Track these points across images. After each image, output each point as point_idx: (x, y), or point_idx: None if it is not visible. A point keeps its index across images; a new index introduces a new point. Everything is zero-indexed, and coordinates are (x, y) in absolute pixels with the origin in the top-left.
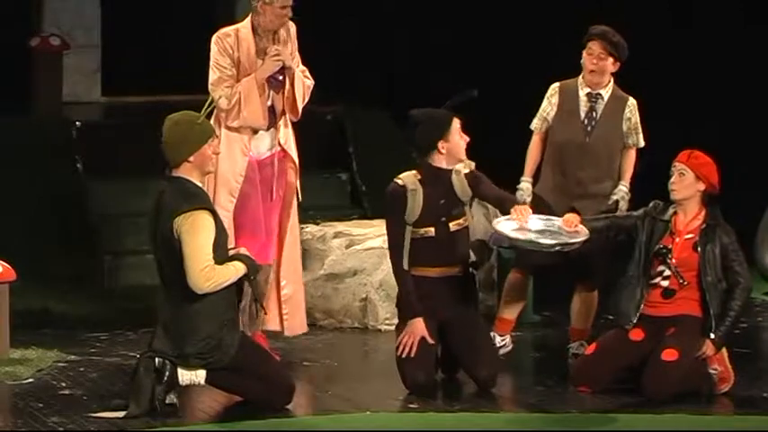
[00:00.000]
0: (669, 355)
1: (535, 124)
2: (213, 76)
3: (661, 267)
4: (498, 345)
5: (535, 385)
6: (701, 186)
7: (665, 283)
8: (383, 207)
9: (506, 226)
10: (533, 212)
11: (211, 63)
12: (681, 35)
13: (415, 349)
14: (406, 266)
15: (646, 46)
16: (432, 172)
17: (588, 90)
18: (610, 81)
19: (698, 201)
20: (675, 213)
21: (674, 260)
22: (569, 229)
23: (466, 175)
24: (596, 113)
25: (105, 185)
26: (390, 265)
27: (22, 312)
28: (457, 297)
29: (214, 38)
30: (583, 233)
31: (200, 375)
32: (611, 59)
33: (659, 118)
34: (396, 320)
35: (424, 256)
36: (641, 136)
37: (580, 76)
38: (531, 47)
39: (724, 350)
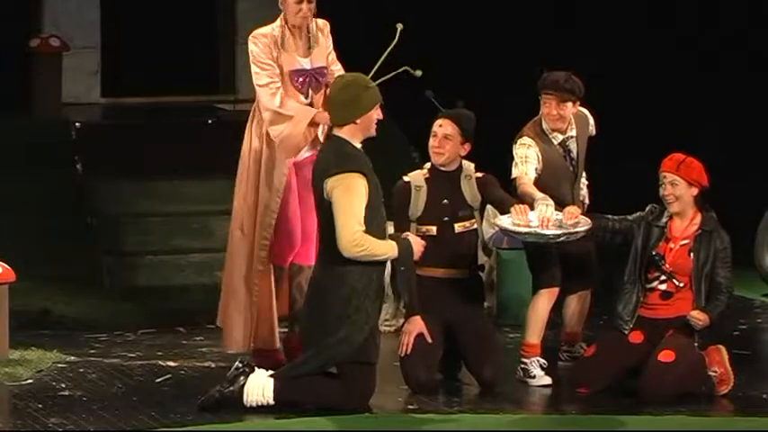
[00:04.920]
0: (666, 356)
1: (530, 172)
2: (260, 75)
3: (657, 273)
4: (541, 373)
5: (535, 386)
6: (694, 191)
7: (662, 287)
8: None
9: (508, 222)
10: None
11: (254, 63)
12: (677, 34)
13: (412, 346)
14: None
15: (641, 48)
16: (436, 171)
17: (561, 138)
18: (571, 117)
19: (692, 205)
20: (671, 218)
21: (667, 266)
22: (571, 221)
23: (477, 179)
24: (573, 153)
25: (105, 186)
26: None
27: (21, 313)
28: (463, 298)
29: (251, 39)
30: (585, 223)
31: (267, 395)
32: (569, 103)
33: (658, 120)
34: (395, 321)
35: (428, 255)
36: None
37: (544, 123)
38: (525, 47)
39: (724, 352)
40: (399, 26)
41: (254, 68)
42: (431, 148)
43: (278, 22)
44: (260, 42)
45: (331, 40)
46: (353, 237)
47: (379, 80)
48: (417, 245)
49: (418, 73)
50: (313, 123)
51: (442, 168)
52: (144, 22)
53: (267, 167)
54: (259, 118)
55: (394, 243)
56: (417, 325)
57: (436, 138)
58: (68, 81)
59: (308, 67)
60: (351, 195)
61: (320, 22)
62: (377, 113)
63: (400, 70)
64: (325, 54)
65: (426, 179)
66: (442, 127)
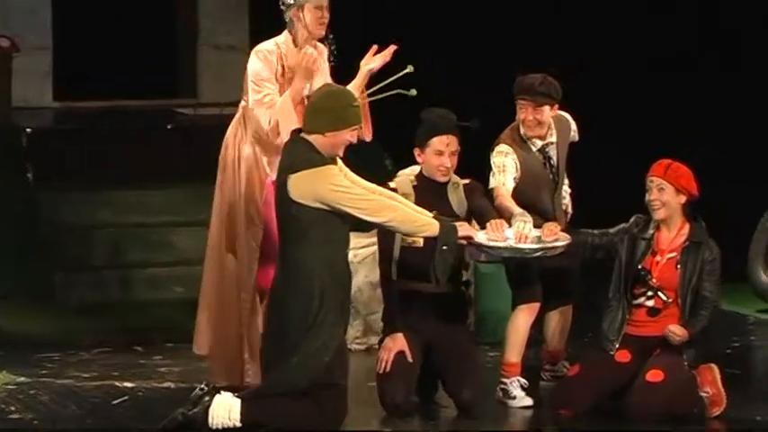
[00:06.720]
0: (654, 375)
1: (508, 182)
2: (257, 94)
3: (643, 288)
4: (521, 393)
5: (515, 407)
6: (682, 199)
7: (649, 303)
8: None
9: (483, 237)
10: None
11: (252, 80)
12: (667, 35)
13: (391, 364)
14: (393, 277)
15: (633, 51)
16: (424, 179)
17: (540, 144)
18: (551, 122)
19: (680, 214)
20: (658, 229)
21: (654, 280)
22: (550, 238)
23: (464, 185)
24: (554, 159)
25: (57, 196)
26: (360, 279)
27: None
28: (446, 316)
29: (255, 54)
30: (564, 238)
31: (233, 417)
32: (546, 107)
33: (649, 126)
34: (366, 339)
35: (413, 269)
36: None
37: (522, 130)
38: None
39: (716, 371)
40: (410, 68)
41: (251, 86)
42: (437, 168)
43: (282, 38)
44: (262, 59)
45: (328, 68)
46: (370, 204)
47: (370, 98)
48: (467, 229)
49: (413, 92)
50: (301, 102)
51: (433, 178)
52: (99, 22)
53: (250, 182)
54: (245, 126)
55: (432, 218)
56: (398, 342)
57: (443, 155)
58: (18, 84)
59: (307, 92)
60: (335, 179)
61: (320, 45)
62: (350, 135)
63: (393, 92)
64: (324, 81)
65: (414, 187)
66: (450, 145)
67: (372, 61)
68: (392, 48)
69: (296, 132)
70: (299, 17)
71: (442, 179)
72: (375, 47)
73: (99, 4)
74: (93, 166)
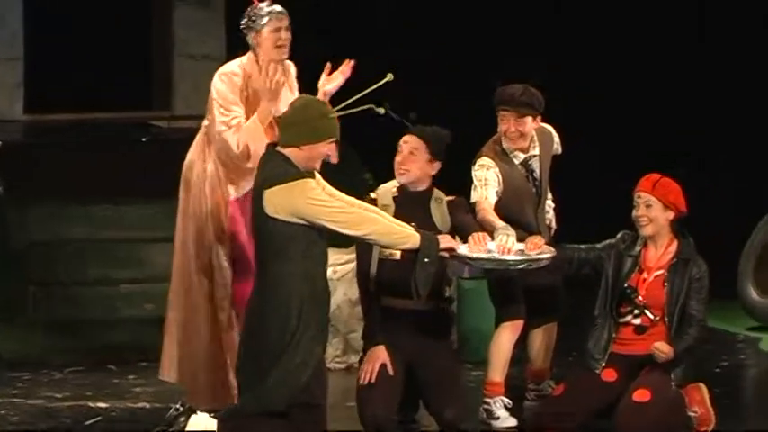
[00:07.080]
0: (641, 395)
1: (490, 196)
2: (224, 117)
3: (630, 306)
4: (505, 413)
5: (499, 428)
6: (670, 215)
7: (636, 321)
8: None
9: (465, 250)
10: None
11: (219, 103)
12: (655, 44)
13: (375, 377)
14: (372, 290)
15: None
16: (405, 191)
17: (523, 157)
18: (534, 134)
19: (668, 231)
20: (645, 246)
21: (641, 298)
22: (534, 251)
23: (448, 201)
24: (536, 172)
25: (28, 210)
26: (339, 297)
27: None
28: (428, 333)
29: (219, 76)
30: (548, 251)
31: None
32: (529, 119)
33: (636, 140)
34: (345, 358)
35: (392, 283)
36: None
37: (504, 142)
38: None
39: (705, 390)
40: (390, 76)
41: (218, 109)
42: (395, 165)
43: (245, 60)
44: (227, 81)
45: (296, 85)
46: (350, 219)
47: (341, 113)
48: (449, 241)
49: (381, 111)
50: (268, 124)
51: (411, 188)
52: (71, 32)
53: (215, 200)
54: (208, 144)
55: (413, 230)
56: (381, 355)
57: (401, 154)
58: None
59: (274, 114)
60: (312, 193)
61: (288, 62)
62: (327, 148)
63: (365, 107)
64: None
65: (395, 198)
66: (408, 143)
67: (330, 81)
68: (350, 63)
69: (271, 146)
70: (258, 41)
71: (400, 179)
72: (329, 65)
73: (71, 14)
74: (65, 180)
